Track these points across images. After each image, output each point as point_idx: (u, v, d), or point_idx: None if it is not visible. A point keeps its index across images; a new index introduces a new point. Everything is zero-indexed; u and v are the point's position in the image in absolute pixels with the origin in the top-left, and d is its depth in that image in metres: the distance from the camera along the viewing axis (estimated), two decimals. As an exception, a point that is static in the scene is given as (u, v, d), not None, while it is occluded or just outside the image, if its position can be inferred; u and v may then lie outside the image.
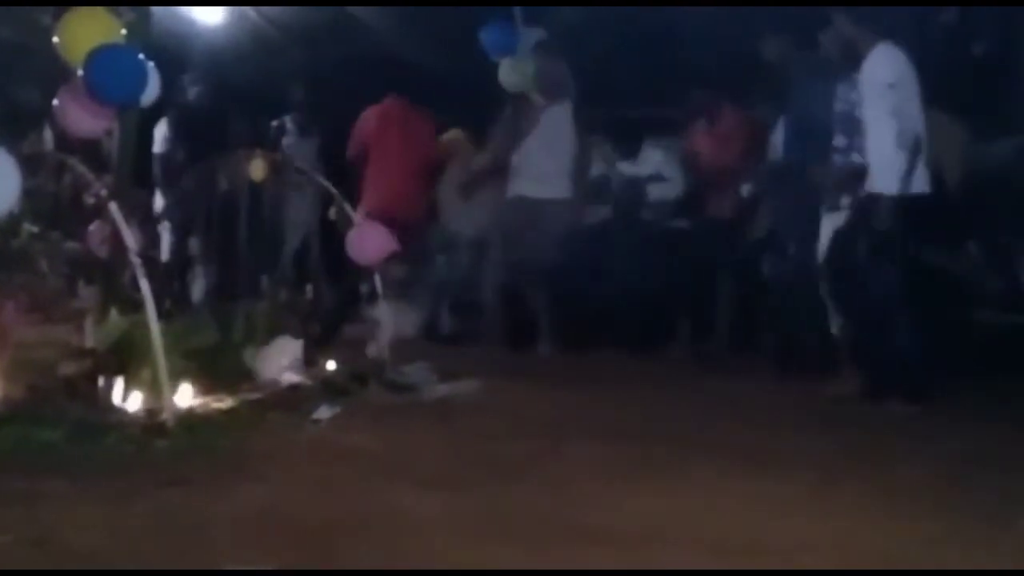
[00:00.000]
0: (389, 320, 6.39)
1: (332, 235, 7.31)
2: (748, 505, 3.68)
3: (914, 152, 5.50)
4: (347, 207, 6.50)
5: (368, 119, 7.73)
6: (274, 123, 8.71)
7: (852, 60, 5.72)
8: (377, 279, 6.45)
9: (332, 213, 7.16)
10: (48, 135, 7.25)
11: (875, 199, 5.57)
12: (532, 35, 7.82)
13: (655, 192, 7.77)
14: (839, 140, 5.83)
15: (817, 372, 6.13)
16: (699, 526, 3.41)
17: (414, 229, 7.56)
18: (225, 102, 8.31)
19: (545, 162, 7.20)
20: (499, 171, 7.46)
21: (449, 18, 7.84)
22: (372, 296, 6.54)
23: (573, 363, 6.85)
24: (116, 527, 3.21)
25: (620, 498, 3.74)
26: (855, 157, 5.69)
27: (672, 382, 6.26)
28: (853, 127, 5.72)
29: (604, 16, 7.79)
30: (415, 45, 8.42)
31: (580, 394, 5.77)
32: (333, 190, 6.69)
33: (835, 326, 5.99)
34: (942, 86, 5.82)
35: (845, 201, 5.83)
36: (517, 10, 7.70)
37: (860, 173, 5.60)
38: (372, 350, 6.31)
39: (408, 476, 3.93)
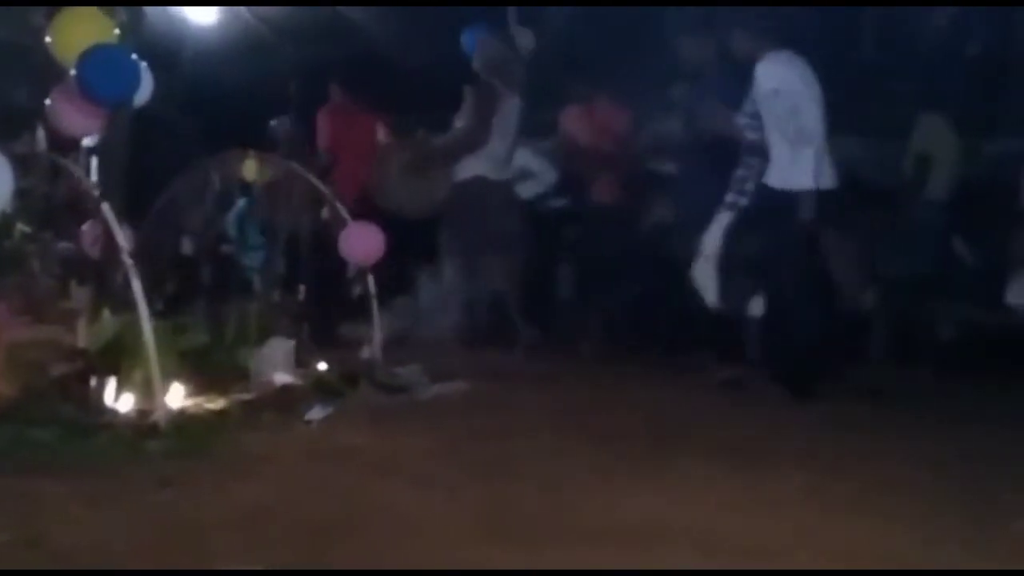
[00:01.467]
0: (380, 321, 6.38)
1: (325, 236, 7.30)
2: (744, 505, 3.68)
3: (819, 150, 5.77)
4: (340, 207, 6.49)
5: (326, 119, 7.94)
6: (272, 123, 8.71)
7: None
8: (370, 279, 6.44)
9: (324, 213, 7.15)
10: (41, 135, 7.23)
11: (777, 194, 5.83)
12: (522, 35, 7.84)
13: (524, 190, 7.86)
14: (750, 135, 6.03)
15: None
16: (696, 526, 3.41)
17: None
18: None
19: (502, 146, 7.29)
20: (454, 153, 7.46)
21: (440, 18, 7.86)
22: (365, 296, 6.52)
23: (564, 363, 6.85)
24: (108, 528, 3.22)
25: (615, 498, 3.74)
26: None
27: (665, 381, 6.26)
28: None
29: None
30: (407, 45, 8.44)
31: (572, 394, 5.78)
32: (325, 190, 6.68)
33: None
34: (937, 87, 5.84)
35: (742, 200, 6.03)
36: (511, 10, 7.72)
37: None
38: (365, 351, 6.31)
39: (401, 476, 3.94)
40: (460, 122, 7.52)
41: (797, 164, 5.76)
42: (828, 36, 6.72)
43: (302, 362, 5.72)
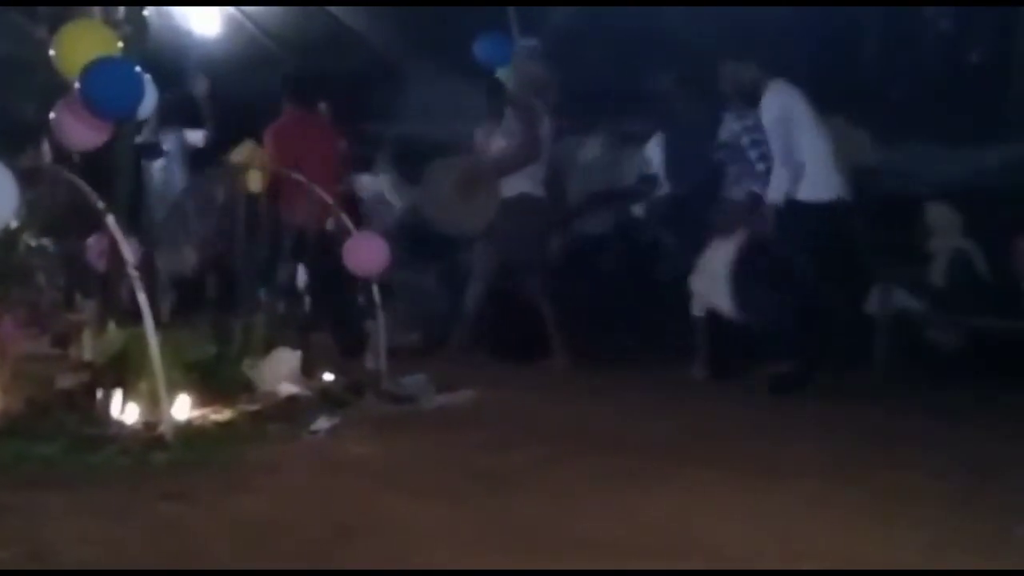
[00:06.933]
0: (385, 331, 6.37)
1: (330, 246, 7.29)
2: (748, 513, 3.69)
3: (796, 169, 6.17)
4: (345, 218, 6.48)
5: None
6: None
7: (750, 99, 6.30)
8: (375, 290, 6.44)
9: (330, 224, 7.14)
10: (46, 148, 7.23)
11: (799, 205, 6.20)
12: (528, 44, 7.84)
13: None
14: (731, 170, 6.44)
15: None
16: (698, 535, 3.41)
17: None
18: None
19: (540, 165, 7.32)
20: (506, 170, 7.44)
21: (444, 25, 7.89)
22: (369, 307, 6.51)
23: (570, 374, 6.85)
24: (114, 540, 3.21)
25: (618, 508, 3.74)
26: (746, 184, 6.37)
27: (669, 392, 6.25)
28: (739, 154, 6.35)
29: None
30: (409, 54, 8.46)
31: (577, 404, 5.76)
32: (330, 200, 6.67)
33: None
34: (940, 92, 5.85)
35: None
36: (511, 10, 7.71)
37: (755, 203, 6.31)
38: (370, 361, 6.30)
39: (406, 486, 3.94)
40: (503, 141, 7.50)
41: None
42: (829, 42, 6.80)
43: (308, 373, 5.72)
